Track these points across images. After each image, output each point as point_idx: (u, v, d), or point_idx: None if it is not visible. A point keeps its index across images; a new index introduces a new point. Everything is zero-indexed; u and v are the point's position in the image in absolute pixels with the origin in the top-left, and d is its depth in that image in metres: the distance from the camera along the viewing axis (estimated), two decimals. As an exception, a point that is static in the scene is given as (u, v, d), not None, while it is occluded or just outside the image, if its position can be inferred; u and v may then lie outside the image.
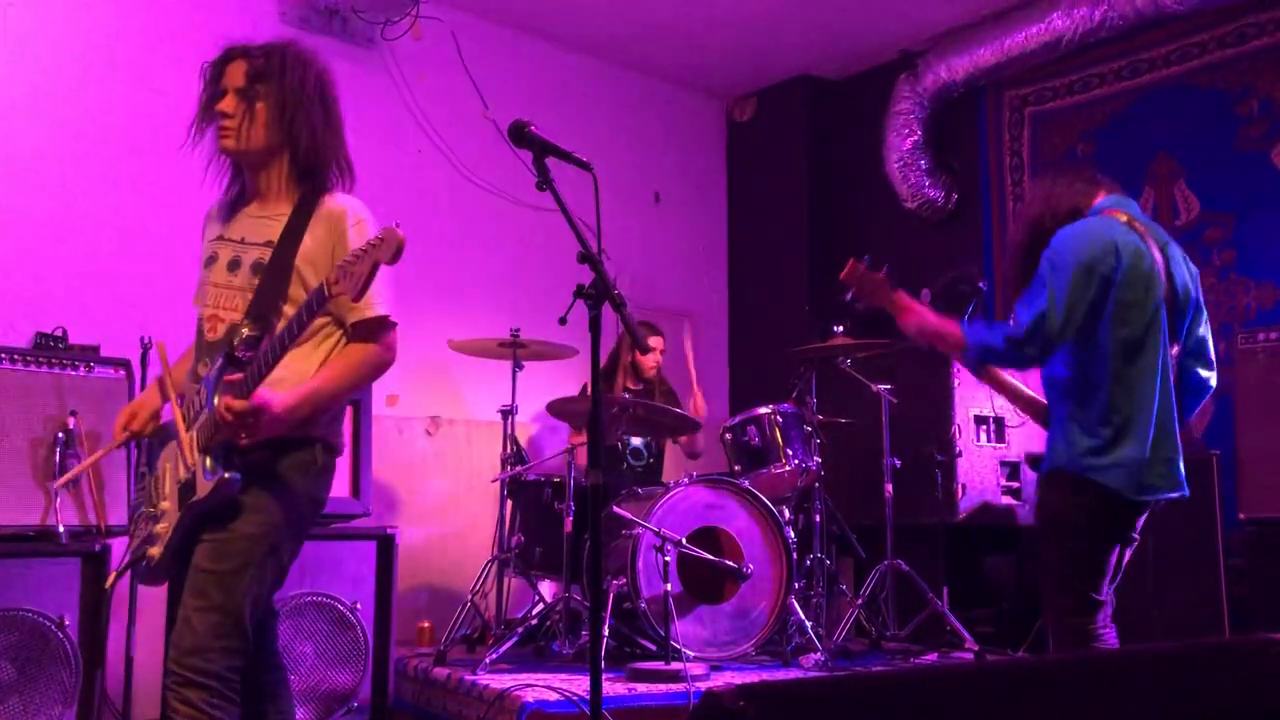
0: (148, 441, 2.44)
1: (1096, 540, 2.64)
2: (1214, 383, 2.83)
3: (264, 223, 2.34)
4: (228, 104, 2.31)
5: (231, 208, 2.43)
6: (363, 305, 2.24)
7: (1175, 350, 2.72)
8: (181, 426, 2.27)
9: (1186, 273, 2.75)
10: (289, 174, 2.35)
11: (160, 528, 2.27)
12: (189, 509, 2.19)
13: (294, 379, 2.23)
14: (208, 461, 2.16)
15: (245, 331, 2.18)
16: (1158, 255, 2.66)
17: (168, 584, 2.38)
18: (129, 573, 2.52)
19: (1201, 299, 2.79)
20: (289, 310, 2.21)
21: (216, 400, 2.13)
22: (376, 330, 2.29)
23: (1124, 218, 2.69)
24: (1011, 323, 2.67)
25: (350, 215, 2.31)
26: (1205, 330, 2.80)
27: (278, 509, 2.22)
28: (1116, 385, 2.60)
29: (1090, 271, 2.58)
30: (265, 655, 2.40)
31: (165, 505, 2.28)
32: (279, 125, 2.30)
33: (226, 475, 2.13)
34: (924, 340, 2.89)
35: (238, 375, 2.13)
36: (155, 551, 2.27)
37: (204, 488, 2.15)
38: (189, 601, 2.17)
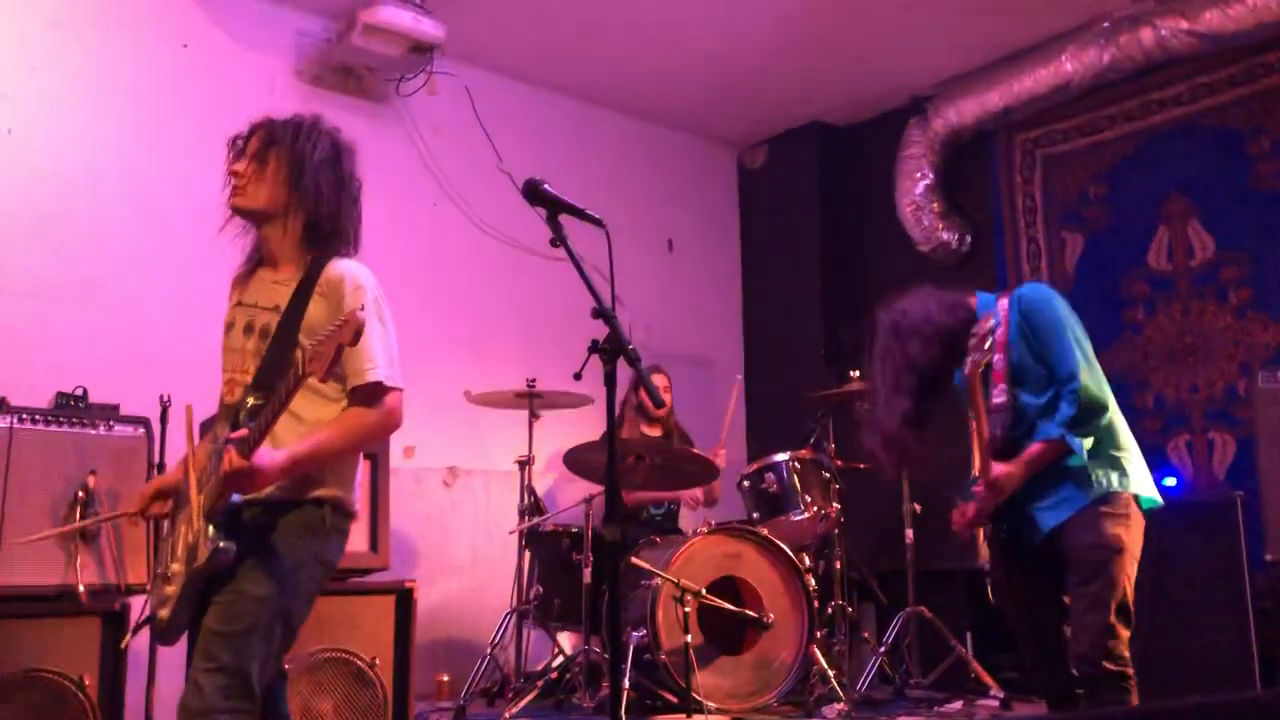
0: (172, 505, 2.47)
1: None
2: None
3: (275, 287, 2.39)
4: (239, 165, 2.39)
5: (250, 273, 2.49)
6: (359, 370, 2.27)
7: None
8: (194, 490, 2.30)
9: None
10: (300, 237, 2.39)
11: (170, 589, 2.30)
12: (191, 574, 2.22)
13: (311, 427, 2.29)
14: (210, 529, 2.20)
15: (250, 401, 2.23)
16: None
17: (187, 643, 2.39)
18: (146, 632, 2.53)
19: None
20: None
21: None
22: (373, 396, 2.30)
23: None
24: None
25: (348, 281, 2.31)
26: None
27: (286, 571, 2.24)
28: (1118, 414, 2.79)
29: None
30: (274, 717, 2.39)
31: (175, 568, 2.31)
32: (287, 185, 2.35)
33: (221, 544, 2.16)
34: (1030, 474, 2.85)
35: (241, 433, 2.17)
36: (164, 614, 2.30)
37: (203, 554, 2.18)
38: (198, 663, 2.19)
